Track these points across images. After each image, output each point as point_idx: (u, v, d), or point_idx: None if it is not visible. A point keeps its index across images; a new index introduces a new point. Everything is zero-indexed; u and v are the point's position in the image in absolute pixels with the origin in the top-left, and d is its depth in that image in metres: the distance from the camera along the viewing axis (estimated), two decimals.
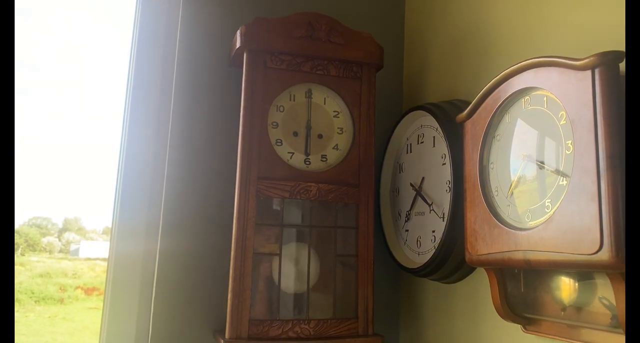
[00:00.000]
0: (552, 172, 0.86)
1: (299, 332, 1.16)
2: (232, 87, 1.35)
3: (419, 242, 1.30)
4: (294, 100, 1.28)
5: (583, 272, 0.84)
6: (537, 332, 0.98)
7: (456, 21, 1.39)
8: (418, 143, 1.35)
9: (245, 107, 1.21)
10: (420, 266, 1.24)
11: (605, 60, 0.74)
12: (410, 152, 1.38)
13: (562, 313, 0.88)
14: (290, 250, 1.26)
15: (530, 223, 0.89)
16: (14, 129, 0.79)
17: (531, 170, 0.91)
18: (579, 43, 0.99)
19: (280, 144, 1.25)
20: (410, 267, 1.30)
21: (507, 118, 0.97)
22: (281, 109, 1.26)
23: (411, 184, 1.34)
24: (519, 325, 1.02)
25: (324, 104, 1.30)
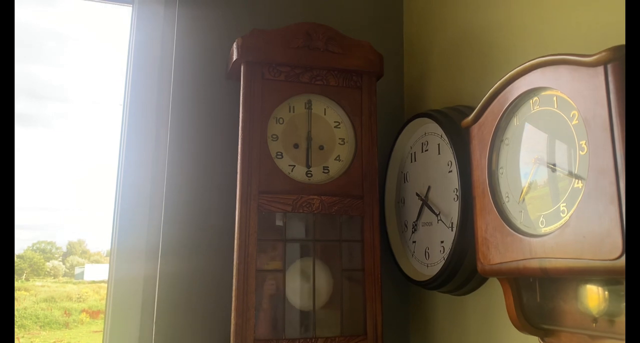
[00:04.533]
0: (565, 174, 0.82)
1: None
2: (231, 100, 1.32)
3: (427, 254, 1.26)
4: (294, 112, 1.25)
5: (610, 278, 0.79)
6: None
7: (456, 25, 1.36)
8: (422, 151, 1.31)
9: (243, 120, 1.18)
10: (430, 278, 1.20)
11: (618, 55, 0.71)
12: (415, 160, 1.34)
13: (594, 324, 0.83)
14: (294, 266, 1.21)
15: (544, 229, 0.85)
16: (14, 137, 0.77)
17: (543, 174, 0.87)
18: (584, 41, 0.96)
19: (280, 156, 1.21)
20: (419, 279, 1.26)
21: (515, 121, 0.93)
22: (280, 121, 1.23)
23: (417, 194, 1.30)
24: (537, 337, 0.97)
25: (324, 114, 1.27)
